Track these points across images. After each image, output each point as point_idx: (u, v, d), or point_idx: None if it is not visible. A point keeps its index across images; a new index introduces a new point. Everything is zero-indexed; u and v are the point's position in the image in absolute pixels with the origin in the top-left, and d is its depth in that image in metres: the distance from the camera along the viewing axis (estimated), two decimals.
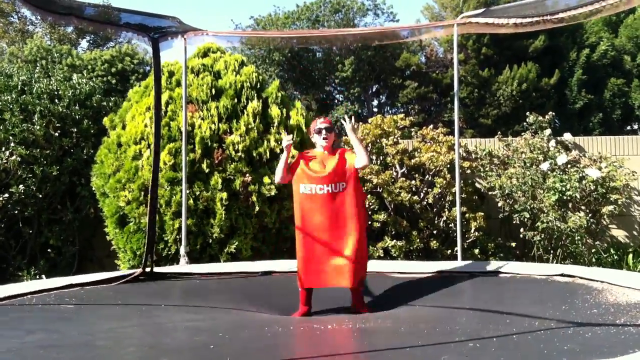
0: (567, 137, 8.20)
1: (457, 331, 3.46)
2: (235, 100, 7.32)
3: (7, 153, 7.41)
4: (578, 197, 7.31)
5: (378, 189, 7.58)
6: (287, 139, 4.86)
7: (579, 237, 7.28)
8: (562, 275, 5.19)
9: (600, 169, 7.50)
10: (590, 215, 7.47)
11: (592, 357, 2.66)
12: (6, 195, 7.36)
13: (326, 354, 3.03)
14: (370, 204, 7.45)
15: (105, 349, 3.18)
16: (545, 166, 7.57)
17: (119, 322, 4.08)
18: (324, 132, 4.92)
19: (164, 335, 3.66)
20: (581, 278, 5.02)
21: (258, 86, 7.55)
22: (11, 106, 7.73)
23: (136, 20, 5.89)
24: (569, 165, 7.67)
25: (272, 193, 6.85)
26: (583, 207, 7.51)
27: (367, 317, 4.05)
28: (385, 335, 3.47)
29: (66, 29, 20.19)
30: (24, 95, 7.98)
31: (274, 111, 7.33)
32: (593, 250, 7.45)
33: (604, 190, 7.43)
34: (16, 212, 7.52)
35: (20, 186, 7.38)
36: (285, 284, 5.32)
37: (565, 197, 7.27)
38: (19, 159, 7.42)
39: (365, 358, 2.95)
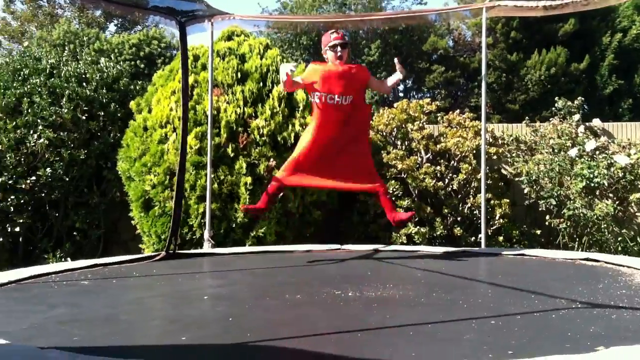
0: (596, 122, 8.07)
1: (479, 305, 3.44)
2: (261, 84, 7.31)
3: (35, 136, 7.50)
4: (606, 184, 7.20)
5: (402, 175, 7.54)
6: (285, 69, 4.76)
7: (605, 225, 7.18)
8: (587, 259, 5.15)
9: (629, 155, 7.37)
10: (617, 202, 7.36)
11: (616, 340, 2.62)
12: (33, 178, 7.47)
13: (346, 328, 3.03)
14: (395, 189, 7.42)
15: (128, 323, 3.20)
16: (573, 152, 7.46)
17: (142, 293, 4.15)
18: (338, 48, 4.88)
19: (186, 306, 3.69)
20: (607, 263, 4.98)
21: None
22: (40, 89, 7.81)
23: (164, 3, 5.89)
24: (597, 152, 7.55)
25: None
26: (610, 195, 7.40)
27: (388, 285, 4.05)
28: (407, 307, 3.46)
29: (94, 13, 20.31)
30: (52, 79, 8.06)
31: (300, 95, 7.32)
32: (619, 239, 7.33)
33: (632, 178, 7.30)
34: (43, 195, 7.62)
35: (48, 169, 7.48)
36: (309, 259, 5.46)
37: (592, 184, 7.16)
38: (46, 142, 7.51)
39: (388, 331, 2.94)
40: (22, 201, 7.45)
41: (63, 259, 7.48)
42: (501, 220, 7.37)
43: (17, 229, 7.50)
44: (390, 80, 5.32)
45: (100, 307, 3.59)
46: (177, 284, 4.55)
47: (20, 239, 7.71)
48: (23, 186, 7.40)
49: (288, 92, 5.40)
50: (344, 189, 5.55)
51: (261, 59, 7.54)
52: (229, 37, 8.02)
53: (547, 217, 7.51)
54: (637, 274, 4.46)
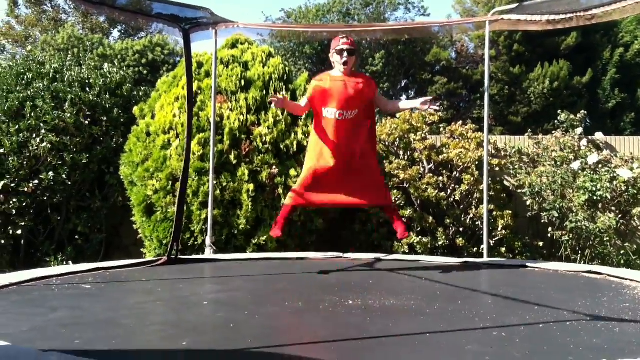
0: (599, 136, 8.07)
1: (481, 315, 3.43)
2: (264, 91, 7.32)
3: (38, 140, 7.50)
4: (608, 197, 7.19)
5: (405, 185, 7.54)
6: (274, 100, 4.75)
7: (607, 238, 7.17)
8: (590, 272, 5.15)
9: (631, 169, 7.37)
10: (620, 216, 7.35)
11: (619, 354, 2.61)
12: (36, 181, 7.47)
13: (347, 336, 3.02)
14: (397, 199, 7.41)
15: (128, 328, 3.19)
16: (575, 165, 7.46)
17: (143, 298, 4.13)
18: (345, 54, 4.77)
19: (186, 311, 3.68)
20: (610, 276, 4.97)
21: (285, 78, 7.56)
22: (43, 93, 7.82)
23: (168, 11, 5.91)
24: (600, 165, 7.55)
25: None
26: (613, 208, 7.39)
27: (390, 294, 4.04)
28: (408, 316, 3.44)
29: (98, 19, 20.38)
30: (56, 83, 8.07)
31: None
32: (622, 252, 7.32)
33: (635, 191, 7.30)
34: (45, 198, 7.62)
35: (50, 173, 7.48)
36: (310, 266, 5.46)
37: (595, 197, 7.16)
38: (49, 146, 7.51)
39: (390, 340, 2.93)
40: (24, 204, 7.44)
41: (65, 263, 7.47)
42: (503, 231, 7.36)
43: (19, 232, 7.50)
44: (404, 104, 5.33)
45: (101, 310, 3.58)
46: (178, 289, 4.54)
47: (22, 242, 7.71)
48: (25, 189, 7.40)
49: (299, 115, 5.28)
50: (354, 205, 5.46)
51: (264, 67, 7.56)
52: (233, 45, 8.04)
53: (550, 229, 7.50)
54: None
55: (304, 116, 7.21)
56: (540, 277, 5.11)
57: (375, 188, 5.04)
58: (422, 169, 7.75)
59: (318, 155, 4.87)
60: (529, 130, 8.71)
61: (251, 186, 6.75)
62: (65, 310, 3.53)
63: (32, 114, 7.61)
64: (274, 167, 6.89)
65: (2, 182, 7.35)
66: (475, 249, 7.39)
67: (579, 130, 8.03)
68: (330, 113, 4.76)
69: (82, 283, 4.51)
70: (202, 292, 4.49)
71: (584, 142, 7.90)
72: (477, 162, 7.54)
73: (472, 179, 7.46)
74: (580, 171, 7.45)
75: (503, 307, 3.73)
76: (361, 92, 4.82)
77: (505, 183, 8.02)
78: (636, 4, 4.85)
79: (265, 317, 3.47)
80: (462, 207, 7.63)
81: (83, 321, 3.26)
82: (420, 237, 7.33)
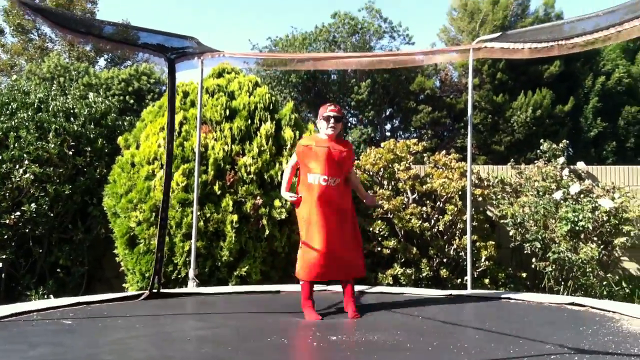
0: (581, 165, 8.15)
1: (466, 349, 3.43)
2: (249, 121, 7.34)
3: (21, 171, 7.45)
4: (590, 227, 7.24)
5: (389, 215, 7.55)
6: (290, 197, 4.96)
7: (590, 269, 7.20)
8: (573, 304, 5.17)
9: (613, 199, 7.43)
10: (602, 246, 7.39)
11: None
12: (18, 213, 7.39)
13: None
14: (380, 230, 7.42)
15: None
16: (558, 195, 7.52)
17: (125, 333, 4.09)
18: (332, 120, 4.95)
19: (169, 347, 3.66)
20: (593, 308, 5.00)
21: (271, 107, 7.59)
22: (27, 123, 7.79)
23: (154, 40, 5.91)
24: (581, 195, 7.61)
25: (283, 216, 6.84)
26: (595, 238, 7.44)
27: (375, 329, 4.03)
28: (393, 352, 3.44)
29: (85, 47, 20.41)
30: (40, 113, 8.04)
31: (287, 133, 7.35)
32: (604, 283, 7.35)
33: (616, 222, 7.35)
34: (27, 230, 7.54)
35: (33, 205, 7.41)
36: (292, 300, 5.35)
37: (577, 228, 7.20)
38: (32, 177, 7.46)
39: None
40: (5, 236, 7.36)
41: (46, 296, 7.38)
42: (487, 262, 7.38)
43: (0, 265, 7.40)
44: (367, 197, 5.35)
45: (82, 346, 3.55)
46: (160, 324, 4.50)
47: (3, 275, 7.60)
48: (7, 221, 7.32)
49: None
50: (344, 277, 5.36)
51: (250, 96, 7.59)
52: (219, 74, 8.08)
53: (533, 259, 7.53)
54: (623, 320, 4.48)
55: (288, 145, 7.23)
56: (524, 309, 5.12)
57: (356, 254, 5.00)
58: (406, 199, 7.77)
59: (309, 221, 4.82)
60: (512, 159, 8.77)
61: (235, 217, 6.74)
62: (46, 347, 3.50)
63: (16, 145, 7.57)
64: (258, 197, 6.88)
65: None
66: (459, 280, 7.40)
67: (561, 159, 8.10)
68: (314, 179, 4.84)
69: (63, 318, 4.47)
70: (186, 327, 4.46)
71: (566, 171, 7.97)
72: (460, 192, 7.58)
73: (456, 209, 7.49)
74: (562, 201, 7.50)
75: (487, 340, 3.73)
76: (346, 160, 4.97)
77: (488, 213, 8.06)
78: (618, 32, 4.93)
79: (249, 352, 3.45)
80: (445, 237, 7.65)
81: (64, 358, 3.23)
82: (404, 268, 7.32)
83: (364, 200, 5.30)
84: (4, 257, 7.38)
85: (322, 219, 4.76)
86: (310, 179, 4.86)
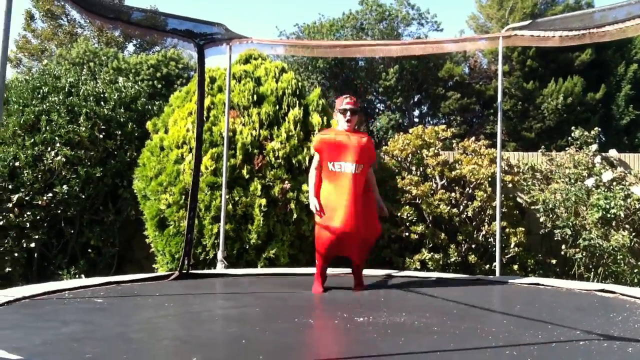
0: (613, 153, 8.03)
1: (493, 334, 3.41)
2: (277, 106, 7.35)
3: (53, 153, 7.56)
4: (622, 215, 7.14)
5: (417, 201, 7.52)
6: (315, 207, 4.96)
7: (621, 257, 7.11)
8: (603, 290, 5.11)
9: None
10: (634, 234, 7.29)
11: None
12: (50, 194, 7.51)
13: (358, 353, 3.01)
14: (409, 215, 7.40)
15: (139, 342, 3.20)
16: (589, 182, 7.42)
17: (154, 313, 4.15)
18: (348, 114, 4.97)
19: (197, 326, 3.70)
20: (623, 295, 4.94)
21: (298, 93, 7.58)
22: (58, 107, 7.88)
23: (183, 26, 5.96)
24: (614, 183, 7.51)
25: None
26: (627, 226, 7.34)
27: (401, 311, 4.03)
28: (419, 333, 3.43)
29: (113, 33, 20.55)
30: (71, 97, 8.13)
31: (315, 119, 7.35)
32: (635, 271, 7.26)
33: None
34: (59, 211, 7.66)
35: (64, 186, 7.52)
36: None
37: (609, 215, 7.11)
38: (63, 159, 7.56)
39: (400, 358, 2.92)
40: (38, 217, 7.49)
41: (77, 276, 7.50)
42: (516, 248, 7.32)
43: (33, 245, 7.53)
44: (379, 201, 5.36)
45: (113, 325, 3.60)
46: (189, 304, 4.55)
47: (36, 255, 7.74)
48: (39, 202, 7.45)
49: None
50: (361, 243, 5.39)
51: (277, 82, 7.59)
52: (247, 60, 8.08)
53: (563, 246, 7.45)
54: None
55: (316, 131, 7.23)
56: (553, 295, 5.08)
57: (373, 218, 5.11)
58: (434, 185, 7.73)
59: (332, 212, 4.88)
60: (543, 146, 8.68)
61: (263, 201, 6.77)
62: (77, 325, 3.55)
63: (47, 128, 7.67)
64: (286, 182, 6.91)
65: (17, 195, 7.40)
66: (488, 266, 7.36)
67: (593, 147, 7.99)
68: (339, 167, 4.91)
69: (94, 297, 4.54)
70: (214, 307, 4.50)
71: (598, 159, 7.86)
72: (489, 179, 7.52)
73: (485, 195, 7.44)
74: (594, 188, 7.41)
75: (515, 325, 3.71)
76: (367, 148, 5.01)
77: (518, 200, 7.99)
78: None
79: (276, 333, 3.47)
80: (474, 223, 7.61)
81: (94, 336, 3.28)
82: (432, 253, 7.30)
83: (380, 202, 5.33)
84: (36, 237, 7.51)
85: (348, 204, 4.81)
86: (334, 167, 4.87)
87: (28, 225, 7.48)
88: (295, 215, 6.85)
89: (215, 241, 6.75)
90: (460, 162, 7.88)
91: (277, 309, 4.39)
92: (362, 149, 4.93)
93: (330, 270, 5.95)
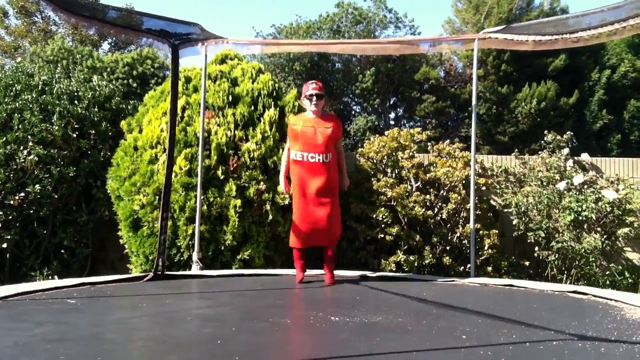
0: (585, 157, 8.15)
1: (468, 334, 3.43)
2: (252, 107, 7.34)
3: (25, 152, 7.46)
4: (594, 218, 7.24)
5: (392, 202, 7.55)
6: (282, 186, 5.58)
7: (593, 259, 7.21)
8: (575, 292, 5.18)
9: (617, 190, 7.43)
10: (605, 237, 7.40)
11: None
12: (22, 194, 7.41)
13: (333, 353, 3.01)
14: (384, 217, 7.42)
15: (113, 343, 3.17)
16: (561, 185, 7.52)
17: (129, 313, 4.12)
18: (314, 99, 5.29)
19: (172, 327, 3.67)
20: (595, 296, 5.01)
21: (275, 94, 7.58)
22: (31, 105, 7.78)
23: (158, 26, 5.93)
24: (585, 186, 7.61)
25: (286, 202, 6.85)
26: (598, 229, 7.44)
27: (377, 311, 4.05)
28: (395, 334, 3.44)
29: (88, 31, 20.35)
30: (44, 95, 8.04)
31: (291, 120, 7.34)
32: (607, 273, 7.37)
33: (620, 212, 7.36)
34: (31, 211, 7.55)
35: (37, 186, 7.42)
36: (294, 283, 5.60)
37: (580, 218, 7.20)
38: (36, 158, 7.46)
39: (376, 358, 2.93)
40: (10, 217, 7.38)
41: (50, 277, 7.41)
42: (490, 250, 7.38)
43: (5, 245, 7.42)
44: (344, 179, 5.72)
45: (87, 326, 3.56)
46: (164, 305, 4.52)
47: (7, 256, 7.63)
48: (11, 202, 7.34)
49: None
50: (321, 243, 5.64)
51: (253, 83, 7.58)
52: (222, 61, 8.07)
53: (536, 248, 7.53)
54: (625, 308, 4.49)
55: None
56: (527, 296, 5.13)
57: (336, 226, 5.48)
58: (409, 187, 7.77)
59: (301, 195, 5.35)
60: (516, 149, 8.76)
61: (238, 202, 6.75)
62: (51, 326, 3.51)
63: (20, 126, 7.57)
64: (261, 183, 6.89)
65: None
66: (462, 267, 7.41)
67: (565, 150, 8.09)
68: (298, 156, 5.28)
69: (68, 298, 4.49)
70: (189, 307, 4.48)
71: (570, 162, 7.96)
72: (464, 181, 7.57)
73: (459, 197, 7.49)
74: (566, 191, 7.51)
75: (489, 326, 3.74)
76: (330, 136, 5.34)
77: (492, 202, 8.06)
78: (623, 27, 4.93)
79: (252, 333, 3.46)
80: (449, 225, 7.65)
81: (68, 336, 3.24)
82: (407, 255, 7.33)
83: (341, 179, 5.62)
84: (8, 237, 7.40)
85: (310, 193, 5.25)
86: (298, 156, 5.10)
87: (0, 226, 7.37)
88: (270, 217, 6.83)
89: (190, 242, 6.72)
90: (435, 165, 7.93)
91: (253, 308, 4.38)
92: (326, 137, 5.27)
93: (307, 272, 5.97)
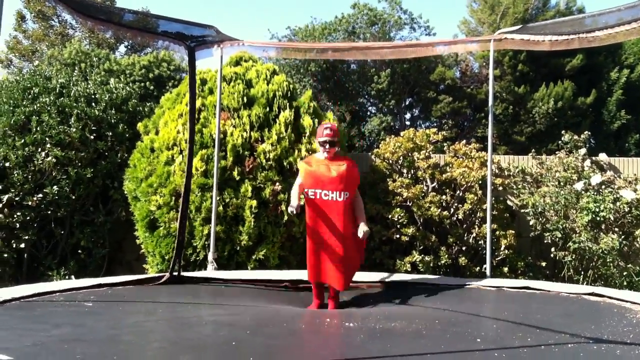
0: (603, 157, 8.08)
1: (482, 337, 3.42)
2: (267, 109, 7.36)
3: (43, 154, 7.53)
4: (612, 218, 7.18)
5: (408, 203, 7.54)
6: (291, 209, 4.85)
7: (610, 259, 7.15)
8: (592, 294, 5.13)
9: (635, 190, 7.36)
10: (623, 237, 7.33)
11: None
12: (40, 195, 7.49)
13: (347, 356, 3.02)
14: (399, 217, 7.41)
15: (129, 344, 3.20)
16: (579, 186, 7.46)
17: (145, 317, 4.15)
18: (327, 145, 5.01)
19: (187, 330, 3.70)
20: (611, 298, 4.96)
21: (290, 95, 7.59)
22: (49, 108, 7.86)
23: (174, 29, 5.96)
24: (603, 186, 7.55)
25: (302, 202, 6.84)
26: (616, 229, 7.38)
27: (391, 316, 4.04)
28: (408, 337, 3.44)
29: (105, 34, 20.48)
30: (62, 98, 8.11)
31: (306, 121, 7.35)
32: (625, 273, 7.30)
33: (638, 213, 7.29)
34: (49, 212, 7.64)
35: (55, 187, 7.50)
36: (310, 287, 5.40)
37: (598, 218, 7.15)
38: (54, 160, 7.54)
39: None
40: (28, 218, 7.46)
41: (67, 277, 7.47)
42: (506, 251, 7.35)
43: (22, 246, 7.50)
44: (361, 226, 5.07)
45: (103, 328, 3.59)
46: (179, 307, 4.54)
47: (25, 256, 7.71)
48: (30, 203, 7.42)
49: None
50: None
51: (268, 84, 7.60)
52: (237, 63, 8.10)
53: (553, 249, 7.49)
54: None
55: (307, 133, 7.24)
56: (543, 299, 5.09)
57: (347, 272, 5.02)
58: (425, 188, 7.75)
59: (313, 233, 4.92)
60: (533, 150, 8.71)
61: (254, 202, 6.76)
62: (68, 327, 3.55)
63: (38, 128, 7.65)
64: (277, 183, 6.91)
65: (7, 196, 7.37)
66: (478, 268, 7.38)
67: (583, 150, 8.03)
68: (310, 193, 4.89)
69: (85, 300, 4.52)
70: (204, 311, 4.50)
71: (588, 162, 7.91)
72: (480, 182, 7.54)
73: (476, 198, 7.46)
74: (583, 192, 7.45)
75: (505, 329, 3.73)
76: (345, 174, 4.92)
77: (509, 203, 8.02)
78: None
79: (267, 336, 3.47)
80: (465, 226, 7.63)
81: (85, 338, 3.27)
82: (422, 255, 7.31)
83: (359, 226, 5.02)
84: (26, 237, 7.48)
85: (323, 233, 4.85)
86: (310, 193, 4.88)
87: (18, 226, 7.45)
88: (286, 217, 6.85)
89: (206, 242, 6.74)
90: (451, 165, 7.90)
91: (268, 313, 4.38)
92: (341, 177, 4.90)
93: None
